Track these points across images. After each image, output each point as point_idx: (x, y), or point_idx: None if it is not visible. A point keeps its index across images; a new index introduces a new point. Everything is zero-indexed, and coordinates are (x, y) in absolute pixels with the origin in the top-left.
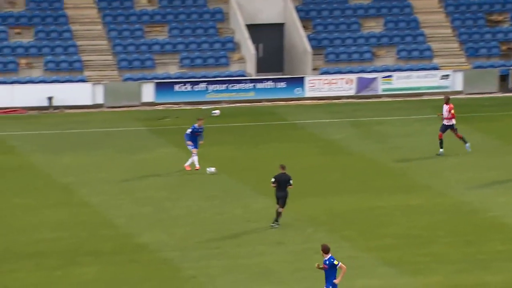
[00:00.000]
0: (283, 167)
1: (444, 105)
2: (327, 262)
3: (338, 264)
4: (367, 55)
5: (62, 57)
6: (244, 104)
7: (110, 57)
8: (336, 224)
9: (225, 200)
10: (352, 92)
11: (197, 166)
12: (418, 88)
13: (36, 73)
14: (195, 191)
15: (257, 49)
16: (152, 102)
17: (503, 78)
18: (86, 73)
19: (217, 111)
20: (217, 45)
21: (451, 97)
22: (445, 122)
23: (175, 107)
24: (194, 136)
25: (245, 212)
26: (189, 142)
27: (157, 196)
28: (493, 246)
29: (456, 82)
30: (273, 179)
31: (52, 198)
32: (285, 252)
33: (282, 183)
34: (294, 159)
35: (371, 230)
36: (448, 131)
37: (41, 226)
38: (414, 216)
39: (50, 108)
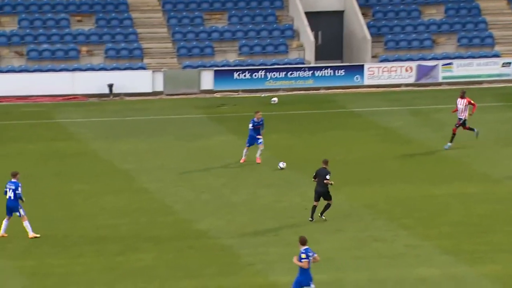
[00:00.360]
0: (325, 162)
1: (460, 99)
2: (306, 255)
3: (312, 254)
4: (427, 43)
5: (122, 45)
6: (303, 92)
7: (169, 45)
8: (395, 212)
9: (283, 188)
10: (411, 80)
11: (243, 158)
12: (479, 76)
13: (97, 60)
14: (253, 179)
15: (316, 36)
16: (211, 89)
17: None
18: (146, 61)
19: (275, 99)
20: (276, 33)
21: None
22: (461, 116)
23: (234, 94)
24: (254, 130)
25: (303, 200)
26: (257, 136)
27: (215, 183)
28: None
29: None
30: (314, 174)
31: (111, 185)
32: (343, 239)
33: (320, 178)
34: (353, 147)
35: (429, 218)
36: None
37: (101, 212)
38: (472, 205)
39: (110, 95)
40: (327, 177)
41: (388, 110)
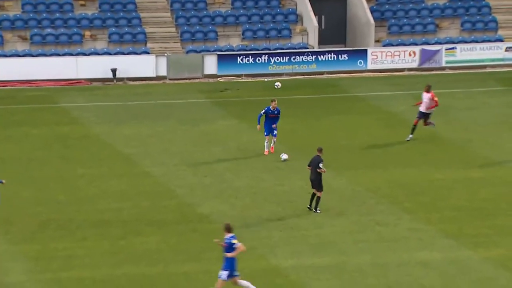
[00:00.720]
0: (319, 150)
1: (424, 93)
2: (227, 241)
3: (235, 245)
4: (430, 27)
5: (126, 29)
6: (306, 76)
7: (173, 29)
8: (397, 196)
9: (286, 172)
10: (414, 65)
11: (266, 150)
12: (482, 60)
13: (100, 45)
14: (256, 163)
15: (319, 21)
16: (214, 74)
17: None
18: (149, 45)
19: (279, 84)
20: (279, 17)
21: None
22: (424, 110)
23: (237, 79)
24: (269, 119)
25: (306, 184)
26: (259, 126)
27: (218, 167)
28: None
29: None
30: (309, 162)
31: (115, 169)
32: (346, 223)
33: (313, 166)
34: (356, 131)
35: (432, 202)
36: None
37: (105, 196)
38: (475, 189)
39: (113, 80)
40: (320, 165)
41: (391, 94)
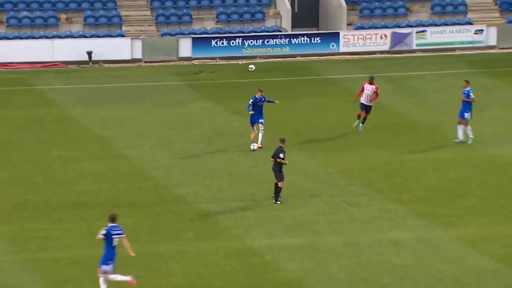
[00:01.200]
0: (281, 141)
1: (367, 85)
2: (106, 231)
3: (118, 235)
4: (401, 10)
5: (101, 12)
6: (279, 59)
7: (148, 13)
8: (369, 177)
9: (260, 154)
10: (386, 47)
11: (253, 134)
12: (452, 43)
13: (76, 27)
14: (231, 145)
15: (292, 4)
16: (189, 57)
17: None
18: (124, 28)
19: (253, 66)
20: (253, 1)
21: (485, 52)
22: (366, 102)
23: (212, 62)
24: (256, 108)
25: None
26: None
27: (194, 149)
28: None
29: (490, 37)
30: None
31: (91, 151)
32: (319, 204)
33: (274, 157)
34: (328, 113)
35: (403, 183)
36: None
37: (81, 178)
38: (445, 170)
39: (89, 63)
40: (281, 155)
41: (363, 77)
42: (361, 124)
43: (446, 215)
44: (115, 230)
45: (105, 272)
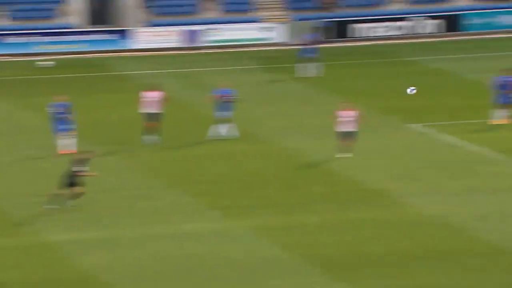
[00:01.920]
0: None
1: (149, 92)
2: None
3: None
4: (192, 8)
5: None
6: (75, 56)
7: None
8: (162, 171)
9: (53, 151)
10: (178, 44)
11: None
12: (241, 40)
13: None
14: (22, 141)
15: (86, 1)
16: None
17: (324, 29)
18: None
19: (50, 63)
20: None
21: (273, 48)
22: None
23: (5, 59)
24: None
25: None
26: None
27: None
28: (314, 189)
29: (278, 34)
30: None
31: None
32: (115, 198)
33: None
34: (122, 109)
35: (194, 176)
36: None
37: None
38: (238, 163)
39: None
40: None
41: (156, 73)
42: (153, 137)
43: (238, 206)
44: None
45: None
